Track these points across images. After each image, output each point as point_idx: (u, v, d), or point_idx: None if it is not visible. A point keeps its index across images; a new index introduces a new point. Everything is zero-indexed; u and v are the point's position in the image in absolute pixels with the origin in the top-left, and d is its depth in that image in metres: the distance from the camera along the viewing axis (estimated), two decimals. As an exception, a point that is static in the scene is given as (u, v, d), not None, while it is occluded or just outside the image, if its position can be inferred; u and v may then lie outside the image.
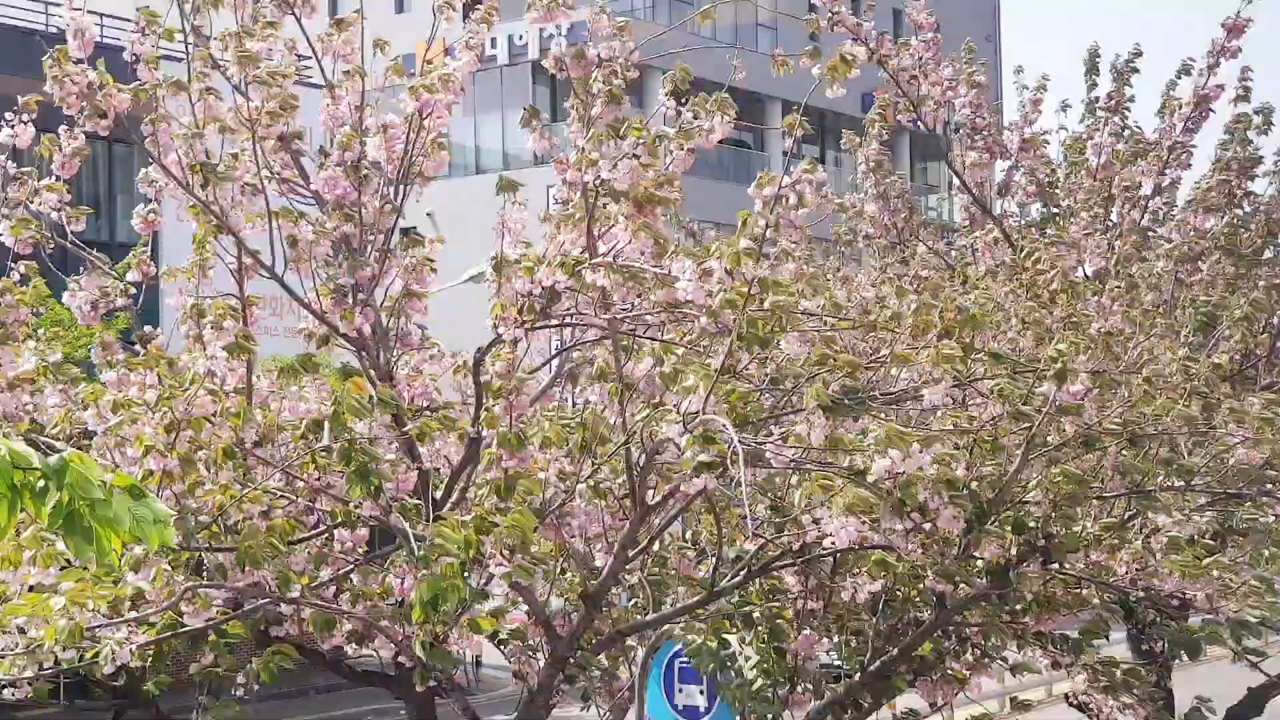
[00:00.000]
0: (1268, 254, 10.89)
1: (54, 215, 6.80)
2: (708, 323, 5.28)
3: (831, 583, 7.01)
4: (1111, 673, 6.35)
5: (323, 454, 5.84)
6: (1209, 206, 10.46)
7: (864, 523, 5.23)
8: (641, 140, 5.78)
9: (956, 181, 11.40)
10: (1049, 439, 6.20)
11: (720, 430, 5.01)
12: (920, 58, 10.55)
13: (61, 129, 6.43)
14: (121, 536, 2.84)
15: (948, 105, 10.63)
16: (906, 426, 5.86)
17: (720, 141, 6.19)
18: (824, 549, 6.02)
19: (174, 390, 5.68)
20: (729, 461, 5.16)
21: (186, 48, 6.31)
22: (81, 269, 7.19)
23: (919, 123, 10.71)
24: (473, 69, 6.30)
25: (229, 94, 6.46)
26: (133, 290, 7.09)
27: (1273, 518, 6.74)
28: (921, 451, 5.17)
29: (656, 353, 6.01)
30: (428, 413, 6.35)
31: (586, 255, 5.90)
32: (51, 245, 6.87)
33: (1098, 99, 11.39)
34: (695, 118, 6.00)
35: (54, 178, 6.66)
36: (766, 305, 5.39)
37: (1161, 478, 6.42)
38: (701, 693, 7.53)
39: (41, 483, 2.81)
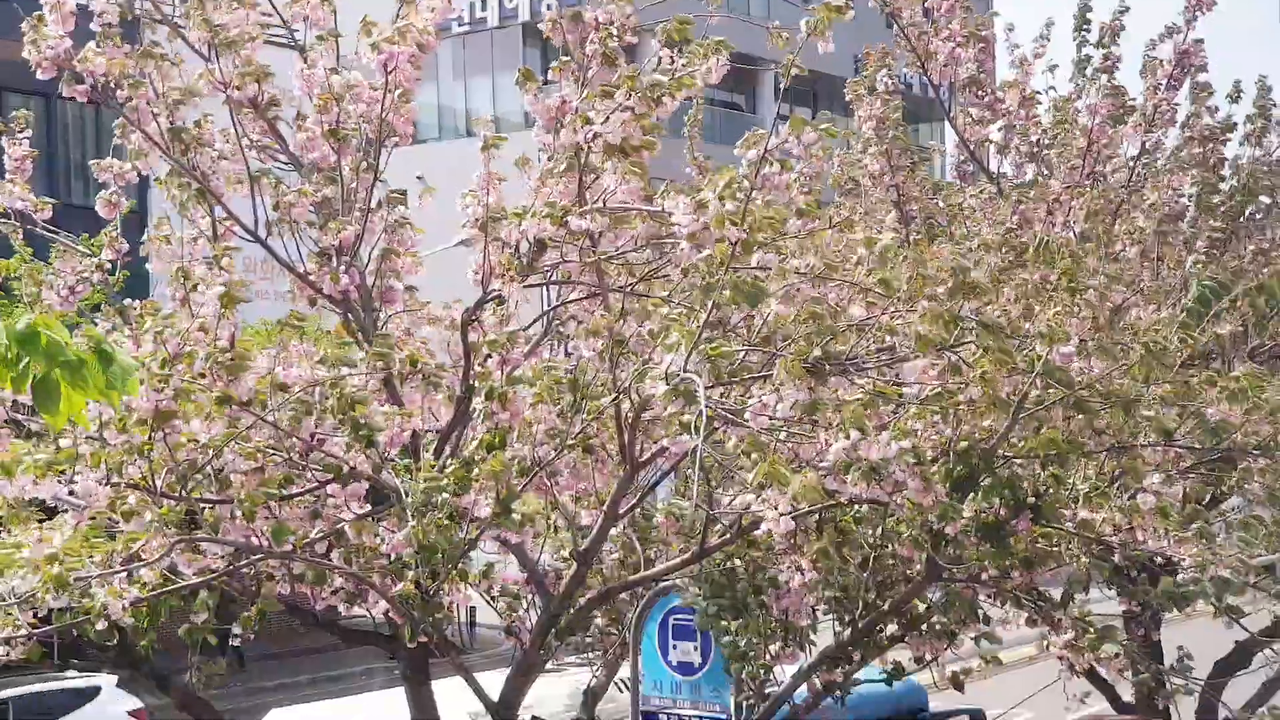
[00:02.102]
0: (1249, 211, 10.92)
1: (20, 205, 6.85)
2: (688, 247, 5.25)
3: (819, 538, 7.01)
4: (1092, 626, 6.40)
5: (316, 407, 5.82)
6: (1184, 165, 10.52)
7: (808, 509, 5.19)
8: (636, 92, 5.73)
9: (948, 141, 11.33)
10: (1038, 398, 6.20)
11: (697, 390, 5.00)
12: (935, 11, 10.45)
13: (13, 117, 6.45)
14: (90, 395, 2.95)
15: (954, 62, 10.52)
16: (889, 388, 5.85)
17: (710, 103, 6.16)
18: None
19: (166, 330, 5.64)
20: (714, 422, 5.15)
21: (151, 19, 6.28)
22: (51, 252, 7.19)
23: (925, 77, 10.63)
24: (440, 20, 6.21)
25: (200, 60, 6.43)
26: (107, 266, 7.11)
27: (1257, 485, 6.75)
28: (885, 433, 5.13)
29: (645, 308, 6.00)
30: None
31: (574, 206, 5.88)
32: (21, 235, 6.91)
33: (1089, 58, 11.33)
34: (688, 64, 5.97)
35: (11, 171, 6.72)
36: (754, 262, 5.36)
37: (1141, 438, 6.43)
38: (695, 649, 7.55)
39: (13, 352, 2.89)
